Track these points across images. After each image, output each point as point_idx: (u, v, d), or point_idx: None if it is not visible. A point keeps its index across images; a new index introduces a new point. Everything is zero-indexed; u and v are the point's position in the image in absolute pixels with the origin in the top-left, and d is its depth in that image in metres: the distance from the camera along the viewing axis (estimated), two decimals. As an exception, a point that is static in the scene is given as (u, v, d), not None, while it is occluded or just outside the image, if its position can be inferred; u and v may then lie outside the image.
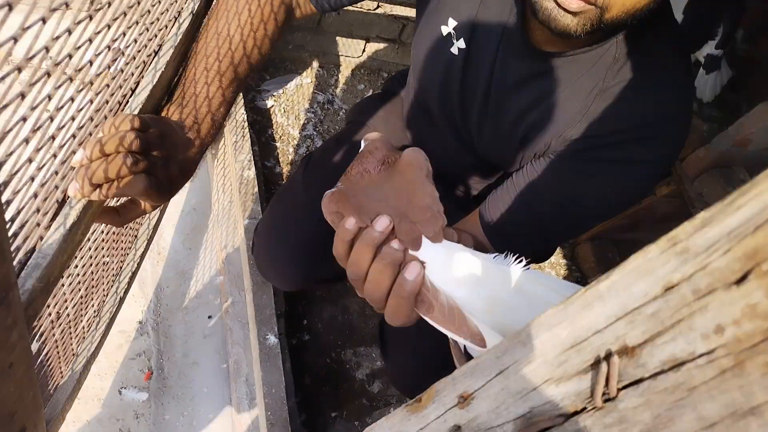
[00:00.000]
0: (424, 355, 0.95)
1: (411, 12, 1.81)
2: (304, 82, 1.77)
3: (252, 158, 1.31)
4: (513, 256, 0.49)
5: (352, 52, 1.87)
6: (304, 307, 1.40)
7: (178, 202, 1.37)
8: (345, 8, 1.67)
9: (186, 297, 1.28)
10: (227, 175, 1.36)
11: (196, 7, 0.74)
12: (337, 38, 1.81)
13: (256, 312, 1.14)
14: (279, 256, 1.00)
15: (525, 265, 0.48)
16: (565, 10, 0.59)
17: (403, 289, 0.48)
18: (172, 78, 0.72)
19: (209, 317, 1.26)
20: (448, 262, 0.49)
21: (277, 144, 1.61)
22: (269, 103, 1.67)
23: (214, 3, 0.77)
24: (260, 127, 1.62)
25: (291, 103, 1.70)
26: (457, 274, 0.49)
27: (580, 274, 1.72)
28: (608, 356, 0.32)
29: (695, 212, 1.32)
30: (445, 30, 0.79)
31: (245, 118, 1.38)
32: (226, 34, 0.74)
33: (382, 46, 1.88)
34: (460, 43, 0.78)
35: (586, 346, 0.34)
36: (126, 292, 0.90)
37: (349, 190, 0.55)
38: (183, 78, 0.70)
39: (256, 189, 1.28)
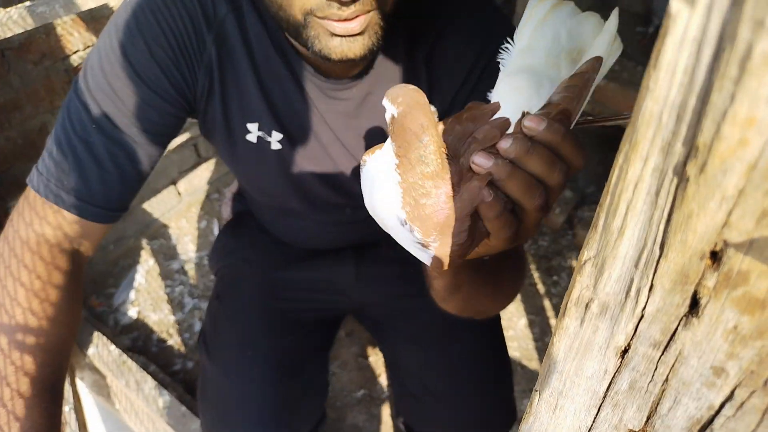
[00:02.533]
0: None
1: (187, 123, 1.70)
2: (149, 265, 1.60)
3: (153, 383, 1.14)
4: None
5: (170, 203, 1.73)
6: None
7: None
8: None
9: None
10: (151, 418, 1.17)
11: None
12: (144, 205, 1.66)
13: None
14: None
15: None
16: (349, 35, 0.52)
17: (555, 131, 0.39)
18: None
19: None
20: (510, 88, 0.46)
21: (169, 342, 1.44)
22: (132, 312, 1.48)
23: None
24: (142, 340, 1.44)
25: (152, 296, 1.53)
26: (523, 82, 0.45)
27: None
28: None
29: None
30: (252, 137, 0.69)
31: (118, 352, 1.20)
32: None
33: (189, 176, 1.76)
34: (276, 136, 0.69)
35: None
36: None
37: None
38: None
39: (183, 408, 1.11)
